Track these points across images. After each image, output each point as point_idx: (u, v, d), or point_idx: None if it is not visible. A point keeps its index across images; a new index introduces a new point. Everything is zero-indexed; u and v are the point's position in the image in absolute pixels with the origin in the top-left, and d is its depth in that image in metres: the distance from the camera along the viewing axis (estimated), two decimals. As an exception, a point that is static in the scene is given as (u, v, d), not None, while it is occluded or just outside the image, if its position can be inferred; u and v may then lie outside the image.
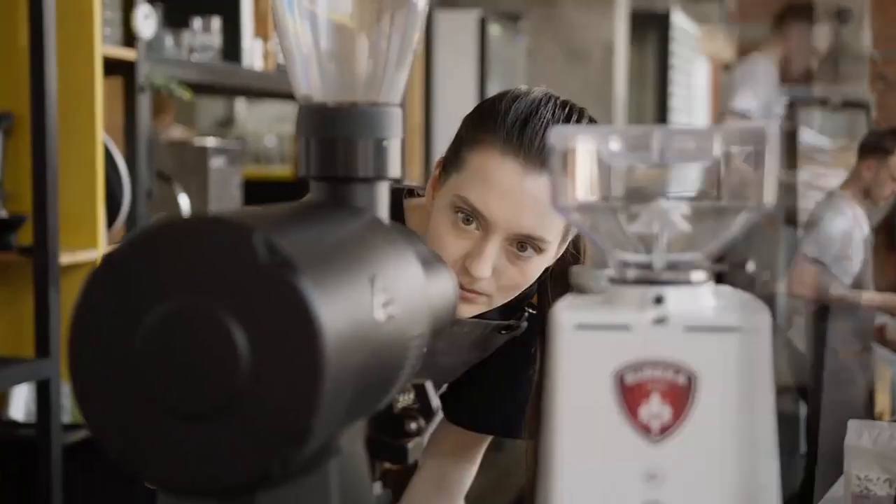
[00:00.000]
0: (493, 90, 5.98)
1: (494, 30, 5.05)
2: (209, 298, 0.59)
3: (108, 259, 0.61)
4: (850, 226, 4.26)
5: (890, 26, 9.89)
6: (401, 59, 0.79)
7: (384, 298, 0.67)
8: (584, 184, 0.69)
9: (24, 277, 2.40)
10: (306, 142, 0.76)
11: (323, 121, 0.76)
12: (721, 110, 4.42)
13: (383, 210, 0.78)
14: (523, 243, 1.24)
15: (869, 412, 4.36)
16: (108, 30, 2.59)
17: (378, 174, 0.76)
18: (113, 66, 2.62)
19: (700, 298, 0.67)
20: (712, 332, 0.65)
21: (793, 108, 4.42)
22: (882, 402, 5.33)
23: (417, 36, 0.80)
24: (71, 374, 0.62)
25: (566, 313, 0.66)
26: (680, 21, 7.46)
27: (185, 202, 2.92)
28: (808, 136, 4.42)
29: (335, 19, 0.78)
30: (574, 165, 0.68)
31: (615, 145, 0.68)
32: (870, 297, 4.37)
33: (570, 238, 1.31)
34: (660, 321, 0.65)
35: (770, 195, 0.66)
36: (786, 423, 4.20)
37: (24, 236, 2.38)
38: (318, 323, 0.58)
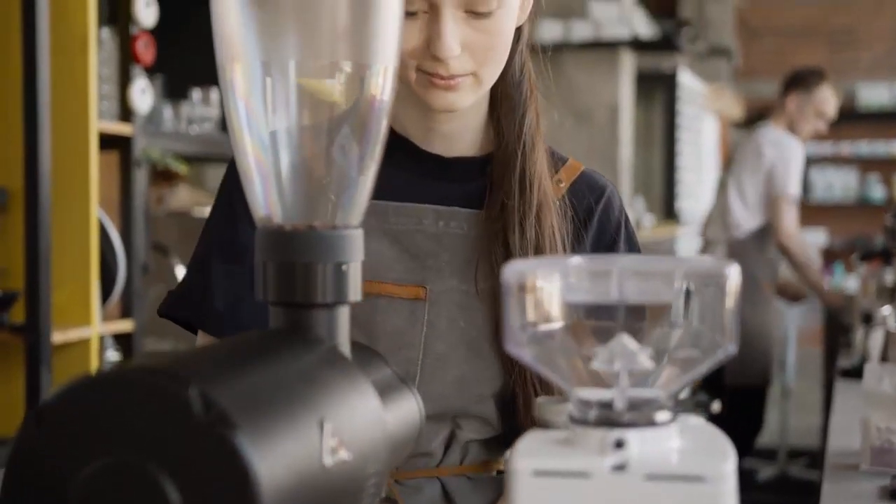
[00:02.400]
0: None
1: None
2: (142, 455, 0.57)
3: (40, 411, 0.59)
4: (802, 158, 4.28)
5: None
6: (361, 180, 0.77)
7: (335, 441, 0.65)
8: (541, 319, 0.66)
9: (16, 356, 2.38)
10: (263, 265, 0.74)
11: (280, 244, 0.74)
12: (772, 195, 4.26)
13: (343, 335, 0.75)
14: (476, 11, 1.14)
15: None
16: (106, 104, 2.58)
17: (338, 299, 0.74)
18: (110, 141, 2.61)
19: (663, 441, 0.64)
20: (675, 480, 0.62)
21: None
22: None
23: (378, 153, 0.78)
24: (1, 530, 0.59)
25: (524, 459, 0.64)
26: (687, 80, 7.48)
27: (182, 274, 2.90)
28: None
29: (294, 139, 0.76)
30: (531, 300, 0.66)
31: (574, 280, 0.65)
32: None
33: None
34: (619, 468, 0.63)
35: (731, 336, 0.63)
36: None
37: (17, 313, 2.36)
38: (257, 482, 0.56)
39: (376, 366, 0.80)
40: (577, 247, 1.25)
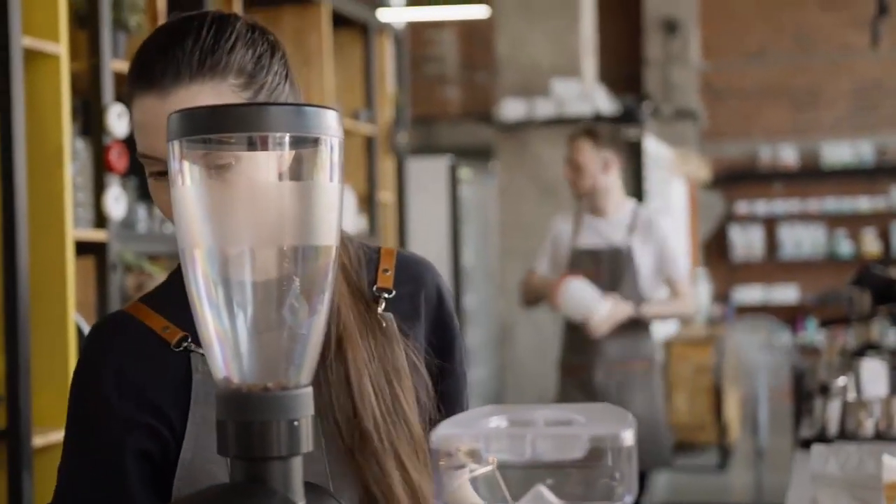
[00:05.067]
0: (466, 232, 6.12)
1: (465, 173, 5.18)
2: None
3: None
4: (557, 233, 4.14)
5: (718, 37, 10.20)
6: (310, 344, 0.86)
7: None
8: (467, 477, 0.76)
9: (-3, 461, 2.45)
10: (223, 424, 0.84)
11: (238, 405, 0.84)
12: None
13: (297, 482, 0.85)
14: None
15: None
16: (81, 212, 2.68)
17: (291, 452, 0.84)
18: (85, 246, 2.71)
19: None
20: None
21: None
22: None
23: (325, 319, 0.88)
24: None
25: None
26: (652, 146, 7.62)
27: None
28: None
29: (249, 312, 0.85)
30: (457, 462, 0.75)
31: (494, 445, 0.75)
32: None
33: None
34: None
35: (629, 487, 0.73)
36: None
37: (-2, 418, 2.44)
38: None
39: (327, 505, 0.89)
40: (425, 340, 1.30)
